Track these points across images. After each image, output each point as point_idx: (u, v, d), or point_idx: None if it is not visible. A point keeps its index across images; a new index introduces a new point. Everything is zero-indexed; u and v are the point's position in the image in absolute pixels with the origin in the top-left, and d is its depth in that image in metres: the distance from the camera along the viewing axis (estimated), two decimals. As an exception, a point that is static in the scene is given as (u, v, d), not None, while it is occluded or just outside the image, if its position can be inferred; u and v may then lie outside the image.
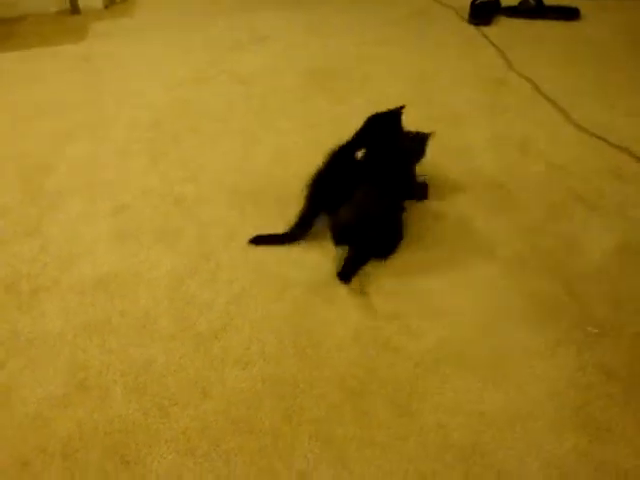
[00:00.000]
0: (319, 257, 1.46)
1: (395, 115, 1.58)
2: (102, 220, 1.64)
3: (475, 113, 2.02)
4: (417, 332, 1.26)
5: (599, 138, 1.84)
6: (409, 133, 1.59)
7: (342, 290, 1.37)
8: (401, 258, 1.45)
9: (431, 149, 1.76)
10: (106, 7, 3.32)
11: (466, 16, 2.80)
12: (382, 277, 1.40)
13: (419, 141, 1.59)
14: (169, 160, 1.87)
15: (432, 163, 1.71)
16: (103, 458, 1.07)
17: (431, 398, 1.13)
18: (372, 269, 1.42)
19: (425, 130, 1.61)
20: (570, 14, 2.72)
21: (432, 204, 1.62)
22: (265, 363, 1.21)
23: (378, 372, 1.18)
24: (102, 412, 1.14)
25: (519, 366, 1.19)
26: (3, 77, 2.59)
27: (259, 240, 1.50)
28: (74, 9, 3.28)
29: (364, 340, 1.25)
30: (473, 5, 2.79)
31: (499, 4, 2.83)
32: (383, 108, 1.89)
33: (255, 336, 1.27)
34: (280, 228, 1.52)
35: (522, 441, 1.06)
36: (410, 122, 1.92)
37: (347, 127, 1.77)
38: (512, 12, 2.80)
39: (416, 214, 1.58)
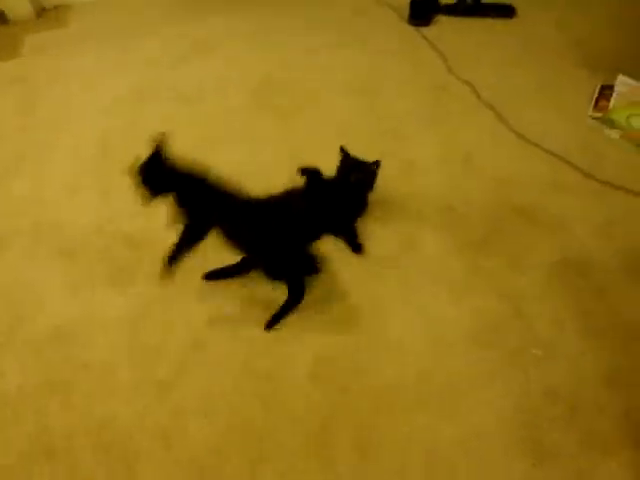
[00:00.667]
0: (270, 293, 1.47)
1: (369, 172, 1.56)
2: (50, 265, 1.62)
3: (418, 125, 2.05)
4: (373, 369, 1.30)
5: (538, 147, 1.90)
6: (356, 164, 1.57)
7: (296, 327, 1.39)
8: (352, 287, 1.48)
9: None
10: (38, 16, 3.20)
11: (405, 16, 2.81)
12: (335, 308, 1.44)
13: (366, 173, 1.57)
14: (116, 194, 1.85)
15: (378, 182, 1.74)
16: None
17: (390, 438, 1.18)
18: (326, 302, 1.45)
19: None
20: (506, 11, 2.77)
21: (380, 227, 1.65)
22: (227, 409, 1.24)
23: (338, 413, 1.23)
24: (69, 476, 1.15)
25: (468, 395, 1.25)
26: None
27: (212, 275, 1.50)
28: (2, 19, 3.14)
29: (321, 381, 1.28)
30: (412, 4, 2.81)
31: (438, 3, 2.85)
32: (329, 127, 1.91)
33: (214, 381, 1.29)
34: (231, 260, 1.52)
35: (475, 471, 1.13)
36: (356, 138, 1.96)
37: (294, 150, 1.79)
38: (450, 11, 2.83)
39: (365, 237, 1.61)
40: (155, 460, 1.17)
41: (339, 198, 1.52)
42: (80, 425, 1.24)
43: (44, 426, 1.24)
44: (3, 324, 1.47)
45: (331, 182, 1.53)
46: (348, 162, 1.55)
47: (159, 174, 1.36)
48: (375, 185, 1.57)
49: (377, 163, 1.54)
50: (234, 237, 1.35)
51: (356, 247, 1.58)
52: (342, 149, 1.56)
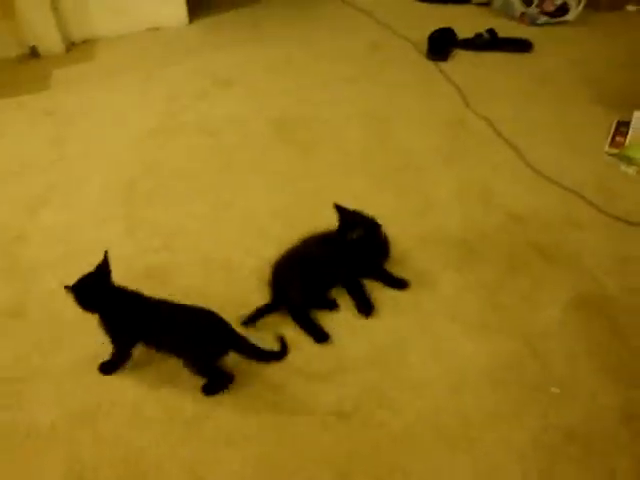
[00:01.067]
0: (294, 333, 1.52)
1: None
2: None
3: (435, 160, 2.10)
4: (394, 404, 1.34)
5: (555, 183, 1.94)
6: (354, 221, 1.57)
7: (319, 363, 1.44)
8: (373, 325, 1.52)
9: (395, 203, 1.86)
10: (67, 50, 3.32)
11: (424, 50, 2.88)
12: (355, 345, 1.48)
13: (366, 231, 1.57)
14: (142, 225, 1.91)
15: (395, 219, 1.79)
16: None
17: (412, 474, 1.21)
18: (349, 338, 1.49)
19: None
20: (523, 46, 2.83)
21: (396, 263, 1.69)
22: (256, 443, 1.28)
23: (362, 450, 1.26)
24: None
25: (487, 431, 1.28)
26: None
27: (250, 320, 1.53)
28: (34, 54, 3.27)
29: (346, 416, 1.32)
30: (430, 39, 2.88)
31: (455, 37, 2.92)
32: (347, 161, 1.97)
33: (241, 416, 1.33)
34: (257, 299, 1.57)
35: (494, 507, 1.15)
36: (373, 172, 2.02)
37: (312, 183, 1.85)
38: (468, 45, 2.90)
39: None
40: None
41: (341, 254, 1.56)
42: (111, 455, 1.28)
43: (75, 457, 1.28)
44: (39, 357, 1.52)
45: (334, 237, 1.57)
46: (347, 219, 1.56)
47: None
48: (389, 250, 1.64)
49: (375, 225, 1.56)
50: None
51: (362, 307, 1.57)
52: (337, 207, 1.57)
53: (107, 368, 1.45)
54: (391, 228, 1.67)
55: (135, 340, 1.42)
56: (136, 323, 1.38)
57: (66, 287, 1.34)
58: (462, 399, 1.34)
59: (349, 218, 1.56)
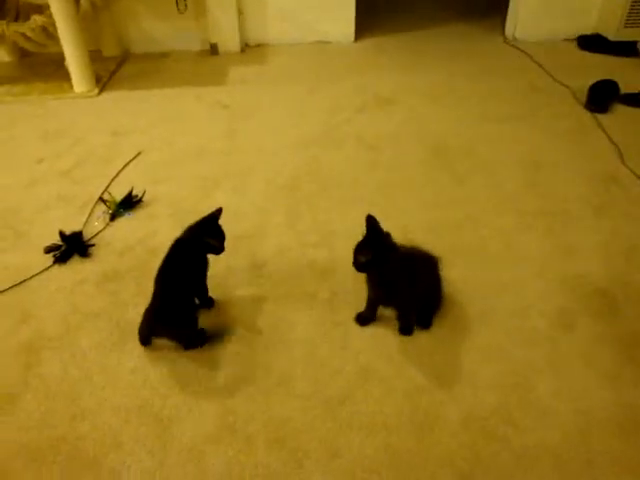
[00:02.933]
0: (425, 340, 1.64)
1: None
2: (244, 272, 1.89)
3: (584, 211, 2.14)
4: (520, 428, 1.42)
5: None
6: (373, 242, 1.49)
7: (450, 374, 1.55)
8: (508, 352, 1.61)
9: (539, 243, 1.92)
10: (242, 51, 3.65)
11: (583, 99, 2.90)
12: (489, 369, 1.57)
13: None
14: (303, 221, 2.11)
15: (541, 261, 1.86)
16: (248, 499, 1.30)
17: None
18: (477, 361, 1.59)
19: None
20: (689, 110, 2.79)
21: (540, 300, 1.77)
22: (387, 434, 1.41)
23: (483, 460, 1.36)
24: (248, 455, 1.37)
25: (609, 475, 1.32)
26: (155, 114, 2.93)
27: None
28: (214, 50, 3.62)
29: (472, 426, 1.42)
30: (591, 89, 2.90)
31: (618, 89, 2.91)
32: (497, 197, 2.07)
33: (378, 407, 1.47)
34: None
35: None
36: (521, 212, 2.09)
37: (463, 210, 1.95)
38: (630, 100, 2.88)
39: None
40: (322, 463, 1.35)
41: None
42: (259, 417, 1.46)
43: (229, 410, 1.48)
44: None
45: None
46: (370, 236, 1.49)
47: None
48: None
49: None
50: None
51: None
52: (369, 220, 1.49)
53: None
54: (531, 266, 1.75)
55: None
56: None
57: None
58: (587, 439, 1.39)
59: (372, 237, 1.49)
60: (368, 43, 3.74)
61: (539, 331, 1.68)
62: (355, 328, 1.68)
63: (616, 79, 2.94)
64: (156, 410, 1.49)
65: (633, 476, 1.33)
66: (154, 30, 3.64)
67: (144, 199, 2.25)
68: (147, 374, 1.58)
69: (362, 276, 1.81)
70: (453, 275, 1.78)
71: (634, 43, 3.44)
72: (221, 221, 1.85)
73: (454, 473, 1.33)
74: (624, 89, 2.91)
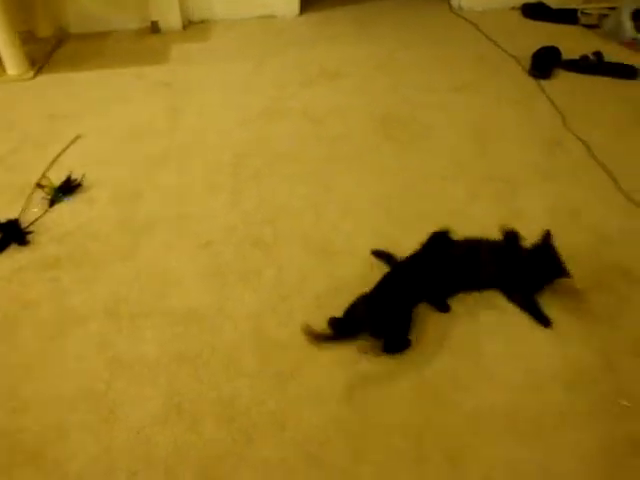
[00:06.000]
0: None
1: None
2: (188, 253, 1.85)
3: (528, 176, 2.16)
4: (470, 391, 1.43)
5: (646, 211, 1.97)
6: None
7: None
8: (455, 316, 1.62)
9: (486, 210, 1.94)
10: (184, 28, 3.55)
11: (526, 65, 2.93)
12: (438, 332, 1.58)
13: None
14: (248, 199, 2.07)
15: (489, 227, 1.87)
16: (197, 478, 1.28)
17: (478, 453, 1.31)
18: (425, 327, 1.60)
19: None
20: (629, 73, 2.83)
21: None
22: (336, 405, 1.40)
23: (435, 424, 1.36)
24: (196, 435, 1.35)
25: (554, 432, 1.35)
26: (94, 95, 2.82)
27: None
28: (155, 28, 3.51)
29: (423, 393, 1.43)
30: (535, 57, 2.93)
31: (560, 57, 2.95)
32: (442, 165, 2.07)
33: (326, 377, 1.46)
34: (351, 285, 1.67)
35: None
36: (468, 179, 2.10)
37: (410, 180, 1.96)
38: (572, 66, 2.91)
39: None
40: (271, 438, 1.34)
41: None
42: (207, 395, 1.43)
43: (176, 390, 1.45)
44: (149, 297, 1.70)
45: None
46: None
47: None
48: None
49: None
50: None
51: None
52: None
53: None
54: (480, 231, 1.77)
55: None
56: None
57: None
58: (534, 398, 1.42)
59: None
60: (314, 16, 3.68)
61: (488, 296, 1.68)
62: (301, 301, 1.66)
63: (558, 46, 2.97)
64: (101, 396, 1.45)
65: (579, 429, 1.35)
66: (92, 9, 3.49)
67: (84, 183, 2.17)
68: (91, 360, 1.54)
69: (306, 250, 1.80)
70: (404, 246, 1.77)
71: (575, 11, 3.48)
72: (164, 202, 1.82)
73: (405, 439, 1.34)
74: (565, 55, 2.95)
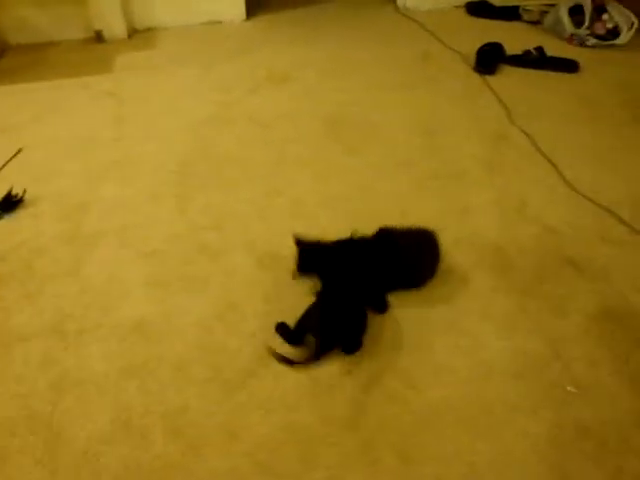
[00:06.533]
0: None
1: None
2: (134, 264, 1.81)
3: (476, 170, 2.18)
4: (421, 387, 1.43)
5: (590, 201, 2.01)
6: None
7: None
8: (404, 313, 1.62)
9: (433, 205, 1.95)
10: (129, 36, 3.49)
11: (471, 63, 2.97)
12: (387, 330, 1.57)
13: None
14: (194, 206, 2.04)
15: (437, 222, 1.89)
16: (147, 495, 1.24)
17: (431, 449, 1.31)
18: (378, 318, 1.60)
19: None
20: (570, 67, 2.90)
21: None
22: (286, 411, 1.39)
23: (385, 423, 1.36)
24: (145, 451, 1.32)
25: (506, 421, 1.36)
26: (36, 108, 2.75)
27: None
28: (99, 38, 3.45)
29: (373, 393, 1.42)
30: (479, 53, 2.97)
31: (504, 53, 3.00)
32: (391, 163, 2.08)
33: (276, 384, 1.44)
34: (300, 290, 1.67)
35: (507, 491, 1.24)
36: (416, 176, 2.12)
37: (358, 180, 1.96)
38: (516, 62, 2.97)
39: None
40: (221, 449, 1.31)
41: None
42: (155, 408, 1.40)
43: (124, 405, 1.41)
44: (95, 312, 1.65)
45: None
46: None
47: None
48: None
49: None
50: None
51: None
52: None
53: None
54: (428, 226, 1.78)
55: None
56: None
57: None
58: (485, 389, 1.43)
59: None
60: (260, 20, 3.67)
61: (434, 289, 1.69)
62: (250, 307, 1.64)
63: (502, 42, 3.02)
64: (46, 417, 1.40)
65: (528, 418, 1.36)
66: (32, 19, 3.41)
67: (25, 198, 2.11)
68: (34, 381, 1.49)
69: (253, 256, 1.78)
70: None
71: (517, 8, 3.56)
72: (109, 213, 1.77)
73: (356, 441, 1.32)
74: (509, 51, 3.00)
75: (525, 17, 3.51)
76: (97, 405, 1.42)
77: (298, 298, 1.61)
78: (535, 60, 2.93)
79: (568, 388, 1.42)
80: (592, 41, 3.10)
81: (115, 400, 1.43)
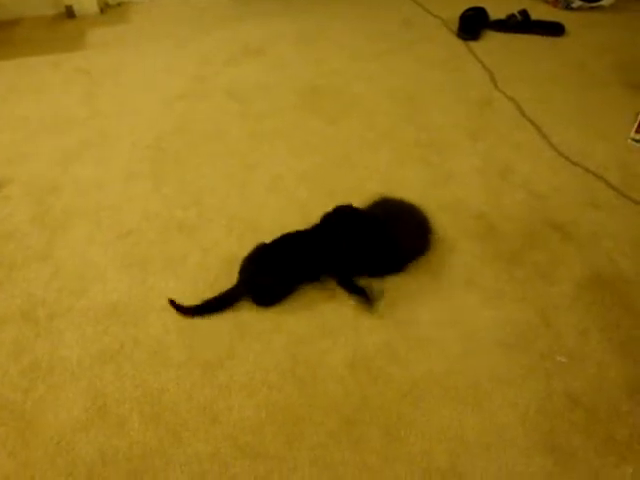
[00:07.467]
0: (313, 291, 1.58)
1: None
2: (109, 245, 1.75)
3: (459, 137, 2.12)
4: (405, 362, 1.39)
5: (577, 165, 1.96)
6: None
7: (335, 321, 1.49)
8: (388, 287, 1.57)
9: (417, 174, 1.90)
10: (102, 11, 3.37)
11: (454, 28, 2.89)
12: (375, 309, 1.53)
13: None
14: (171, 182, 1.97)
15: (420, 191, 1.83)
16: (125, 483, 1.20)
17: (417, 425, 1.27)
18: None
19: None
20: (555, 30, 2.82)
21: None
22: (268, 390, 1.34)
23: (370, 401, 1.31)
24: (121, 438, 1.27)
25: (494, 393, 1.32)
26: (7, 87, 2.64)
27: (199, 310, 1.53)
28: (69, 13, 3.32)
29: (357, 370, 1.37)
30: (462, 18, 2.88)
31: (487, 18, 2.91)
32: (373, 133, 2.01)
33: (258, 365, 1.39)
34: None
35: (495, 463, 1.20)
36: (398, 146, 2.05)
37: (338, 152, 1.89)
38: (499, 26, 2.88)
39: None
40: (201, 432, 1.27)
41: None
42: (132, 393, 1.35)
43: (99, 391, 1.36)
44: (67, 296, 1.59)
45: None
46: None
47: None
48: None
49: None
50: None
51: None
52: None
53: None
54: (411, 196, 1.72)
55: None
56: None
57: None
58: (472, 361, 1.39)
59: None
60: (236, -7, 3.54)
61: (423, 261, 1.64)
62: (229, 284, 1.58)
63: (485, 7, 2.93)
64: (18, 407, 1.35)
65: (517, 389, 1.33)
66: (-3, -5, 3.28)
67: (-5, 181, 2.03)
68: (6, 369, 1.43)
69: (232, 232, 1.73)
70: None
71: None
72: (82, 194, 1.69)
73: (340, 419, 1.28)
74: (493, 16, 2.91)
75: (508, -20, 3.41)
76: (71, 392, 1.37)
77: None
78: (520, 24, 2.85)
79: (558, 358, 1.38)
80: (577, 3, 3.02)
81: (90, 386, 1.38)
